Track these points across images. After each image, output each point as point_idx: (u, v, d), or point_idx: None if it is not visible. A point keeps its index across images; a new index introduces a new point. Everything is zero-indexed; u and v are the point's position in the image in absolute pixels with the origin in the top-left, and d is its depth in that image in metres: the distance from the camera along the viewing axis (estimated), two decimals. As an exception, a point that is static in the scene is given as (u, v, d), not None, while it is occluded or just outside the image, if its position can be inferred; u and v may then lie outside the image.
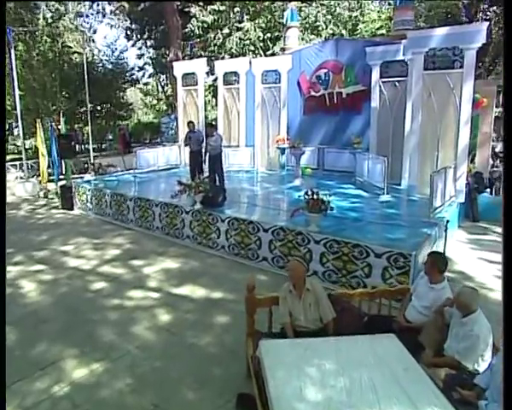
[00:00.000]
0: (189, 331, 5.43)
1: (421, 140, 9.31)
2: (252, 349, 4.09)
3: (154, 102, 38.57)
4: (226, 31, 19.59)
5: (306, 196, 6.80)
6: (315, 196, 6.69)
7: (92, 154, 16.68)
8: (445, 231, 6.06)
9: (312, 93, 13.10)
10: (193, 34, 20.29)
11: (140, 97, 40.68)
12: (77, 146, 23.95)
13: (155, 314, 5.91)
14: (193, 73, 14.34)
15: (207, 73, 19.24)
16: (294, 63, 13.18)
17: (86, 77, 15.15)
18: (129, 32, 31.00)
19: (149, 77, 36.29)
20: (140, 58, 33.27)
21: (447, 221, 6.07)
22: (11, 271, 7.63)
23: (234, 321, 5.61)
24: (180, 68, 14.80)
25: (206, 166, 10.49)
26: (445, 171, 7.95)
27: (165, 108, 34.83)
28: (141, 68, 34.04)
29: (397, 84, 10.62)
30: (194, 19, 19.66)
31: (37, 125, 14.04)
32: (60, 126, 14.42)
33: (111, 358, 4.85)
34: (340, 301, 4.30)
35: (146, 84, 37.85)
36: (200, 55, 19.46)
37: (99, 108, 24.89)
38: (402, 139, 10.25)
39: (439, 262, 4.07)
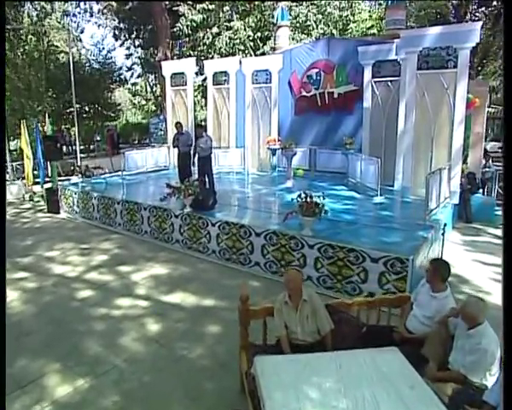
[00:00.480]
0: (180, 343, 5.20)
1: (415, 140, 9.16)
2: (245, 363, 3.88)
3: (143, 102, 38.15)
4: (215, 30, 19.32)
5: (299, 199, 6.59)
6: (308, 199, 6.49)
7: (79, 155, 16.27)
8: (443, 234, 5.89)
9: (304, 93, 12.92)
10: (182, 33, 20.00)
11: (128, 98, 40.24)
12: (64, 147, 23.60)
13: (144, 324, 5.67)
14: (182, 73, 14.06)
15: (196, 73, 18.96)
16: (285, 63, 12.97)
17: (72, 77, 14.79)
18: (117, 32, 30.57)
19: (138, 77, 35.91)
20: (128, 58, 32.87)
21: (445, 224, 5.90)
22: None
23: (226, 331, 5.39)
24: (169, 68, 14.52)
25: (195, 169, 10.23)
26: (440, 172, 7.80)
27: (153, 108, 34.48)
28: (129, 68, 33.63)
29: (389, 83, 10.47)
30: (183, 18, 19.35)
31: (22, 126, 13.68)
32: (45, 128, 14.00)
33: (96, 373, 4.61)
34: (337, 312, 4.10)
35: (134, 84, 37.43)
36: (190, 55, 19.19)
37: (86, 108, 24.48)
38: (395, 140, 10.10)
39: (441, 270, 3.89)
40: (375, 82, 10.79)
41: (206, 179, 9.52)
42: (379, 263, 5.79)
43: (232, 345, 4.61)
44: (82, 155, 22.32)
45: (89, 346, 5.16)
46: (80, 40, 32.81)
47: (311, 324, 3.83)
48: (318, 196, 6.54)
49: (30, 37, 19.13)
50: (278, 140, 12.47)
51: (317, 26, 19.37)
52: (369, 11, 19.32)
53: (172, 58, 20.15)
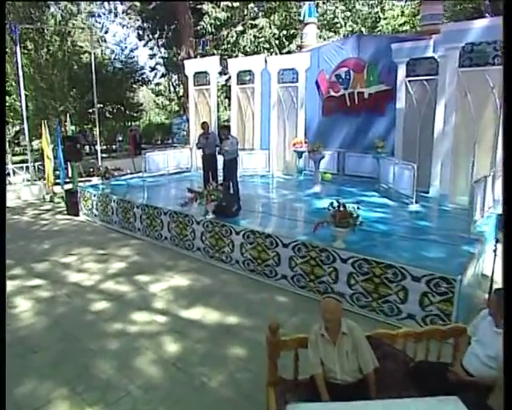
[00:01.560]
0: (199, 367, 4.70)
1: (455, 144, 8.50)
2: (274, 402, 3.35)
3: (166, 102, 38.02)
4: (240, 28, 18.82)
5: (332, 208, 6.03)
6: (341, 209, 5.92)
7: (101, 156, 16.03)
8: (495, 251, 5.24)
9: (332, 93, 12.32)
10: (205, 32, 19.59)
11: (152, 98, 40.22)
12: (87, 147, 23.53)
13: (161, 343, 5.20)
14: (205, 72, 13.64)
15: (220, 73, 18.58)
16: (313, 61, 12.42)
17: (94, 76, 14.52)
18: (140, 32, 30.48)
19: (161, 77, 35.78)
20: (152, 58, 32.76)
21: (497, 240, 5.25)
22: (7, 286, 6.97)
23: (251, 354, 4.88)
24: (192, 67, 14.10)
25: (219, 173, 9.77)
26: (486, 179, 7.13)
27: (176, 108, 34.27)
28: (153, 68, 33.54)
29: (425, 83, 9.79)
30: (206, 16, 18.92)
31: (43, 126, 13.45)
32: (67, 128, 13.77)
33: (107, 401, 4.15)
34: (380, 345, 3.53)
35: (158, 84, 37.35)
36: (213, 54, 18.77)
37: (109, 108, 24.32)
38: (431, 143, 9.47)
39: (508, 301, 3.27)
40: (409, 81, 10.13)
41: (231, 184, 9.01)
42: (421, 282, 5.18)
43: (257, 373, 4.12)
44: (104, 156, 22.25)
45: (100, 368, 4.72)
46: (105, 40, 32.85)
47: (351, 361, 3.27)
48: (353, 206, 5.96)
49: (54, 37, 19.03)
50: (305, 142, 11.92)
51: (345, 23, 18.70)
52: (402, 7, 18.50)
53: (196, 57, 19.76)
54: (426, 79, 9.75)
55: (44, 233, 10.35)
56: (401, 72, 10.18)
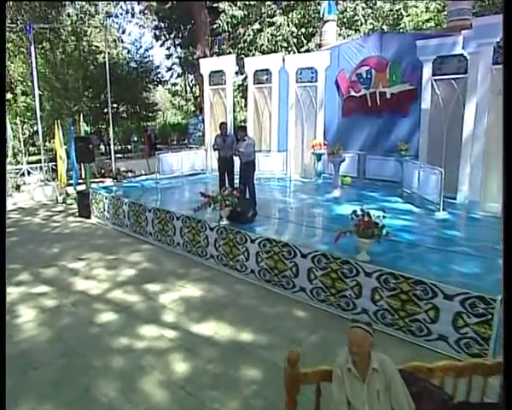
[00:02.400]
0: (210, 391, 4.29)
1: (486, 147, 7.95)
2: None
3: (183, 102, 37.80)
4: (257, 26, 18.37)
5: (355, 217, 5.56)
6: (366, 218, 5.45)
7: (115, 156, 15.76)
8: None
9: (352, 93, 11.82)
10: (222, 30, 19.19)
11: (168, 98, 40.09)
12: (102, 147, 23.38)
13: (169, 362, 4.81)
14: (221, 71, 13.25)
15: (236, 73, 18.18)
16: (332, 60, 11.95)
17: (108, 76, 14.25)
18: (157, 32, 30.32)
19: (178, 77, 35.60)
20: (168, 58, 32.60)
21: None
22: (12, 293, 6.73)
23: (266, 377, 4.45)
24: (207, 66, 13.73)
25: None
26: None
27: (193, 109, 34.01)
28: (169, 69, 33.39)
29: (453, 82, 9.23)
30: (223, 14, 18.52)
31: (56, 126, 13.22)
32: (80, 128, 13.52)
33: (108, 430, 3.76)
34: (415, 381, 3.06)
35: (174, 84, 37.18)
36: (229, 53, 18.40)
37: (124, 108, 24.14)
38: (458, 145, 8.93)
39: None
40: (435, 80, 9.59)
41: (247, 188, 8.59)
42: (454, 301, 4.69)
43: (274, 401, 3.76)
44: (119, 156, 22.07)
45: (103, 389, 4.34)
46: (122, 41, 32.74)
47: (383, 402, 2.81)
48: (378, 215, 5.49)
49: (70, 37, 18.88)
50: (324, 144, 11.49)
51: (366, 21, 18.12)
52: (426, 3, 17.79)
53: (211, 56, 19.41)
54: (454, 78, 9.20)
55: (55, 236, 10.09)
56: (427, 70, 9.64)
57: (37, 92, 13.80)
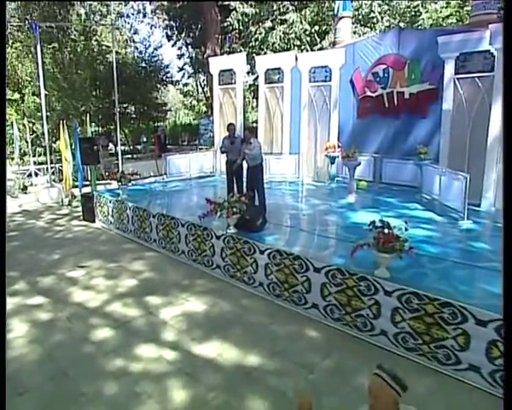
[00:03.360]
0: (211, 427, 3.81)
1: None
2: None
3: (194, 102, 37.40)
4: (269, 24, 17.83)
5: (374, 228, 5.04)
6: (386, 230, 4.92)
7: (123, 157, 15.40)
8: None
9: (368, 93, 11.27)
10: (232, 29, 18.73)
11: (180, 98, 39.77)
12: (112, 148, 23.05)
13: (167, 389, 4.34)
14: (230, 70, 12.78)
15: (248, 73, 17.73)
16: (347, 58, 11.41)
17: (115, 75, 13.87)
18: (169, 32, 29.99)
19: (189, 77, 35.21)
20: (180, 58, 32.24)
21: None
22: (7, 304, 6.27)
23: (274, 411, 3.96)
24: (216, 64, 13.27)
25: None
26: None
27: (204, 109, 33.61)
28: (181, 69, 33.02)
29: (478, 80, 8.65)
30: (234, 12, 18.02)
31: (61, 126, 12.86)
32: (87, 129, 13.15)
33: None
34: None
35: (186, 84, 36.80)
36: (240, 51, 17.92)
37: (133, 108, 23.78)
38: (483, 149, 8.33)
39: None
40: (458, 79, 9.01)
41: (256, 194, 8.10)
42: (488, 328, 4.14)
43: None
44: (128, 157, 21.74)
45: (92, 422, 3.88)
46: (133, 41, 32.46)
47: None
48: (399, 225, 4.96)
49: (79, 36, 18.56)
50: (338, 146, 10.96)
51: (382, 18, 17.51)
52: (447, -2, 17.13)
53: (222, 55, 18.93)
54: (478, 76, 8.60)
55: (57, 241, 9.70)
56: (449, 68, 9.07)
57: (43, 92, 13.47)
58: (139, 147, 24.57)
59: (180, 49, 31.46)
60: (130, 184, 10.30)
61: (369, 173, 11.06)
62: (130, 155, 21.66)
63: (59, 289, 6.97)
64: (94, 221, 11.08)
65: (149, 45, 27.06)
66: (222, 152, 8.99)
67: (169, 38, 30.44)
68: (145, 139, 23.95)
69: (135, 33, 32.51)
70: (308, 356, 4.88)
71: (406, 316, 4.72)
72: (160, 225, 8.49)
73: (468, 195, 7.62)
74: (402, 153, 10.61)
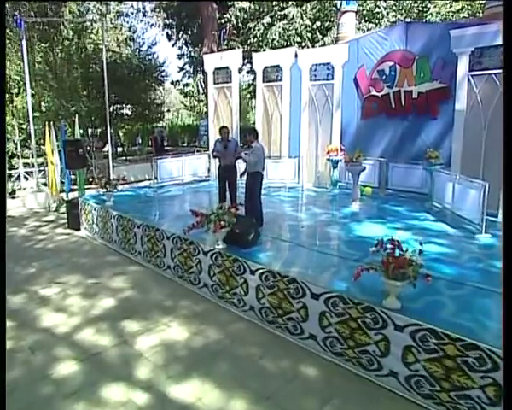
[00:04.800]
0: None
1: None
2: None
3: (195, 103, 36.60)
4: (267, 20, 17.00)
5: (381, 249, 4.27)
6: (397, 252, 4.14)
7: (113, 160, 14.63)
8: None
9: (373, 92, 10.55)
10: (230, 25, 17.95)
11: (180, 99, 39.03)
12: (108, 150, 22.30)
13: (132, 448, 3.56)
14: (226, 68, 12.02)
15: (248, 72, 16.96)
16: (351, 55, 10.67)
17: (105, 74, 13.14)
18: (169, 32, 29.27)
19: (189, 77, 34.45)
20: (180, 58, 31.50)
21: None
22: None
23: None
24: (211, 62, 12.51)
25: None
26: None
27: (205, 110, 32.81)
28: (181, 69, 32.26)
29: (495, 77, 7.86)
30: (231, 8, 17.21)
31: (47, 128, 12.13)
32: (76, 130, 12.40)
33: None
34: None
35: (186, 85, 36.05)
36: (238, 48, 17.14)
37: (128, 109, 22.99)
38: (500, 154, 7.48)
39: None
40: (472, 76, 8.24)
41: (251, 204, 7.32)
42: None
43: None
44: (123, 159, 21.01)
45: None
46: (132, 40, 31.73)
47: None
48: (413, 248, 4.18)
49: (70, 34, 17.82)
50: (341, 149, 10.20)
51: (388, 13, 16.70)
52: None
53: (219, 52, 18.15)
54: (496, 73, 7.81)
55: (36, 252, 8.98)
56: (462, 65, 8.29)
57: (29, 91, 12.75)
58: (135, 149, 23.80)
59: (180, 48, 30.75)
60: (115, 190, 9.55)
61: (375, 179, 10.31)
62: (125, 158, 20.92)
63: (28, 310, 6.23)
64: (79, 229, 10.36)
65: (143, 43, 26.18)
66: (214, 156, 8.23)
67: (169, 37, 29.74)
68: (140, 141, 23.18)
69: (134, 32, 31.85)
70: (304, 402, 4.11)
71: (421, 357, 3.94)
72: (145, 236, 7.74)
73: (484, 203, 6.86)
74: (410, 157, 9.88)
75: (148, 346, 5.15)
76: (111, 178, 9.71)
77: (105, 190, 9.47)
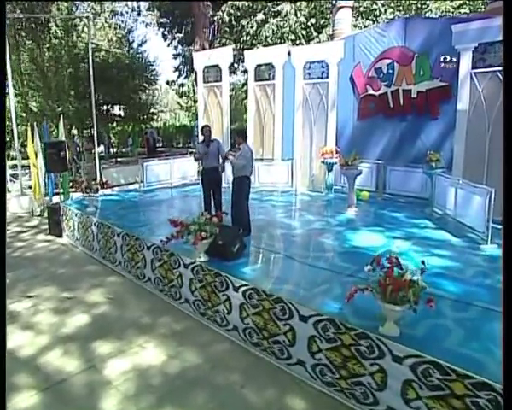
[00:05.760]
0: None
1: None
2: None
3: (192, 103, 36.09)
4: (261, 17, 16.45)
5: (377, 267, 3.75)
6: (396, 271, 3.63)
7: (100, 163, 14.08)
8: None
9: (370, 91, 10.06)
10: (222, 22, 17.43)
11: (176, 99, 38.55)
12: (103, 151, 21.77)
13: None
14: (216, 66, 11.50)
15: (243, 71, 16.42)
16: (347, 52, 10.19)
17: (92, 72, 12.63)
18: (164, 31, 28.74)
19: (185, 77, 33.92)
20: (176, 58, 30.99)
21: None
22: None
23: None
24: (201, 60, 11.99)
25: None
26: None
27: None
28: (176, 69, 31.78)
29: (500, 75, 7.36)
30: (224, 5, 16.66)
31: (29, 129, 11.60)
32: (60, 131, 11.86)
33: None
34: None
35: (182, 85, 35.57)
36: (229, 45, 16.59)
37: (118, 109, 22.41)
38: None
39: None
40: (475, 74, 7.74)
41: (236, 211, 6.79)
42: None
43: None
44: (117, 160, 20.45)
45: None
46: (122, 38, 31.16)
47: None
48: (414, 266, 3.67)
49: (59, 32, 17.24)
50: (336, 152, 9.71)
51: (386, 10, 16.17)
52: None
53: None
54: (501, 71, 7.31)
55: (13, 260, 8.43)
56: (465, 62, 7.84)
57: (11, 91, 12.21)
58: (126, 150, 23.23)
59: (176, 48, 30.25)
60: (97, 194, 9.03)
61: (372, 182, 9.81)
62: (115, 159, 20.37)
63: (-7, 328, 5.67)
64: (61, 236, 9.84)
65: (133, 41, 25.54)
66: (196, 159, 7.68)
67: (165, 37, 29.24)
68: (131, 142, 22.60)
69: (124, 30, 31.30)
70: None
71: (423, 394, 3.42)
72: (125, 245, 7.23)
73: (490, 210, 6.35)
74: (409, 160, 9.39)
75: (119, 372, 4.62)
76: (93, 181, 9.15)
77: (86, 194, 8.94)
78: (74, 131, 18.46)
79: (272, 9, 16.47)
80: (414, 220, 7.68)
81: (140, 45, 24.81)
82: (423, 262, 3.67)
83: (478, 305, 4.33)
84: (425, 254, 5.82)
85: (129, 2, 30.17)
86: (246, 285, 4.88)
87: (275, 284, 4.96)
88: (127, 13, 31.28)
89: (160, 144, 28.82)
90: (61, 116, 12.32)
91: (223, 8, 16.85)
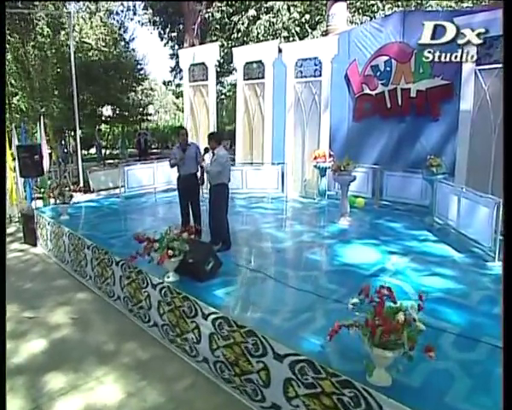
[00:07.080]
0: None
1: None
2: None
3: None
4: (252, 13, 15.78)
5: (366, 299, 3.10)
6: (387, 306, 2.97)
7: (82, 165, 13.43)
8: None
9: (366, 90, 9.43)
10: (213, 19, 16.78)
11: (171, 99, 38.08)
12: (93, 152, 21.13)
13: None
14: (202, 64, 10.87)
15: (234, 70, 15.78)
16: (341, 49, 9.57)
17: (74, 71, 12.00)
18: (161, 31, 28.20)
19: (182, 78, 33.43)
20: (172, 58, 30.47)
21: None
22: None
23: None
24: (186, 58, 11.37)
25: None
26: None
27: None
28: (173, 69, 31.27)
29: (507, 73, 6.70)
30: (215, 2, 16.05)
31: (7, 132, 10.97)
32: (39, 134, 11.25)
33: None
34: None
35: (178, 85, 35.05)
36: (222, 46, 15.94)
37: (109, 110, 21.80)
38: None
39: None
40: (480, 71, 7.11)
41: (212, 222, 6.15)
42: None
43: None
44: (104, 163, 19.81)
45: None
46: (124, 39, 30.61)
47: None
48: (411, 302, 3.01)
49: (45, 29, 16.61)
50: (330, 155, 9.08)
51: (384, 6, 15.54)
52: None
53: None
54: (507, 68, 6.68)
55: (-20, 273, 7.76)
56: (469, 58, 7.13)
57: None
58: (116, 151, 22.62)
59: (172, 47, 29.72)
60: (70, 202, 8.40)
61: (368, 188, 9.18)
62: (102, 162, 19.72)
63: None
64: (35, 245, 9.23)
65: (123, 38, 24.81)
66: (171, 165, 7.00)
67: (161, 36, 28.72)
68: (120, 144, 21.96)
69: (125, 32, 30.76)
70: None
71: None
72: (95, 259, 6.58)
73: (496, 224, 5.70)
74: (408, 164, 8.79)
75: (70, 411, 3.97)
76: (73, 186, 8.52)
77: (59, 201, 8.32)
78: (63, 133, 17.83)
79: (264, 5, 15.80)
80: (412, 232, 7.02)
81: (127, 43, 24.02)
82: (421, 297, 3.00)
83: (486, 342, 3.65)
84: (424, 273, 5.17)
85: (124, 2, 29.68)
86: (215, 313, 4.21)
87: (250, 310, 4.31)
88: (122, 12, 30.83)
89: (155, 145, 28.24)
90: (41, 117, 11.64)
91: (213, 5, 16.19)
